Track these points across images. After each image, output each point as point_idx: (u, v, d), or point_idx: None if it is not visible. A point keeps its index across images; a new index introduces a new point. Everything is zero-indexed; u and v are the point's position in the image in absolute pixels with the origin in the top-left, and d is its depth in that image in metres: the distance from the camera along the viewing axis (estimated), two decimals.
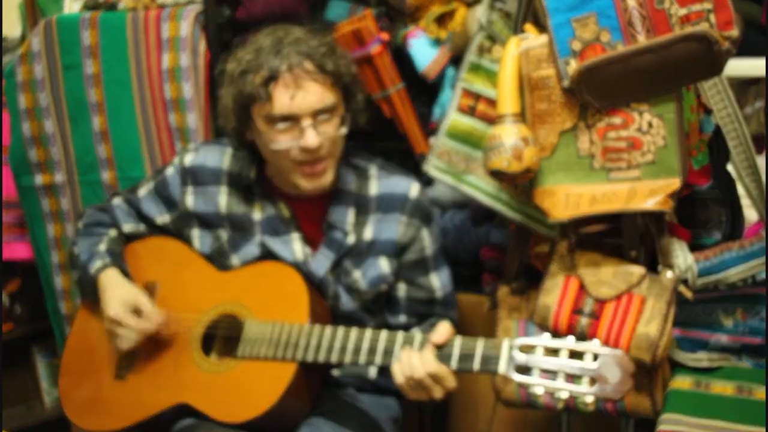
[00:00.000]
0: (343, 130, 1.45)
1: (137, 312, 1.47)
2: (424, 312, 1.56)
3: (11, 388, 2.53)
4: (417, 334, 1.40)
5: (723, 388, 1.39)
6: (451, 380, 1.30)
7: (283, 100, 1.37)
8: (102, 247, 1.57)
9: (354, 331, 1.38)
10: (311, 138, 1.39)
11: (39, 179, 2.19)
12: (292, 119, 1.39)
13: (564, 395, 1.22)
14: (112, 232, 1.62)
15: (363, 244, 1.51)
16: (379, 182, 1.53)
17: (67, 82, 2.10)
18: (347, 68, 1.45)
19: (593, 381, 1.20)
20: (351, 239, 1.51)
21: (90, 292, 1.54)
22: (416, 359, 1.29)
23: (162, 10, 1.98)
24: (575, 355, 1.23)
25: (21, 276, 2.50)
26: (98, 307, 1.56)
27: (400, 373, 1.31)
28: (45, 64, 2.10)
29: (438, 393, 1.30)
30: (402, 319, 1.56)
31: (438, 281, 1.56)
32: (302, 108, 1.38)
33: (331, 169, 1.46)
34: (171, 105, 1.98)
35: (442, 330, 1.32)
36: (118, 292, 1.49)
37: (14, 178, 2.22)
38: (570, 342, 1.23)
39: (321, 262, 1.51)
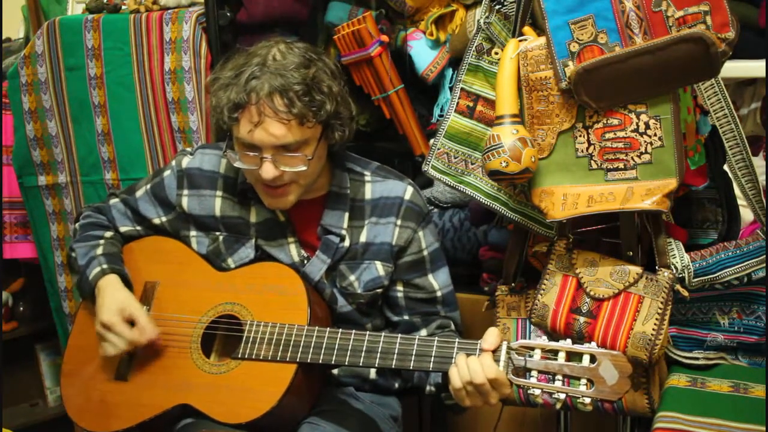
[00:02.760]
0: (305, 167, 1.40)
1: (131, 322, 1.47)
2: (427, 311, 1.57)
3: (15, 387, 2.54)
4: (423, 334, 1.40)
5: (719, 386, 1.39)
6: (508, 385, 1.27)
7: (245, 130, 1.37)
8: (99, 250, 1.57)
9: (353, 333, 1.39)
10: (266, 171, 1.38)
11: (42, 179, 2.20)
12: (255, 148, 1.39)
13: (562, 396, 1.23)
14: (109, 234, 1.62)
15: (358, 248, 1.52)
16: (373, 186, 1.54)
17: (70, 83, 2.11)
18: (327, 105, 1.39)
19: (591, 383, 1.22)
20: (346, 243, 1.52)
21: (89, 296, 1.55)
22: (476, 364, 1.27)
23: (164, 13, 1.99)
24: (573, 356, 1.24)
25: (25, 275, 2.51)
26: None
27: (458, 377, 1.28)
28: (48, 65, 2.11)
29: (494, 399, 1.28)
30: (405, 317, 1.57)
31: (437, 281, 1.57)
32: (262, 142, 1.37)
33: (294, 193, 1.45)
34: (173, 106, 2.00)
35: (490, 337, 1.29)
36: (115, 298, 1.48)
37: (18, 179, 2.23)
38: (567, 344, 1.24)
39: (316, 266, 1.52)
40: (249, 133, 1.37)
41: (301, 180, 1.44)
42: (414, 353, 1.35)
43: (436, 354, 1.33)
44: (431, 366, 1.34)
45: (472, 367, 1.26)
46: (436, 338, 1.35)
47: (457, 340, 1.33)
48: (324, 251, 1.52)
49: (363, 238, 1.52)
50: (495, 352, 1.28)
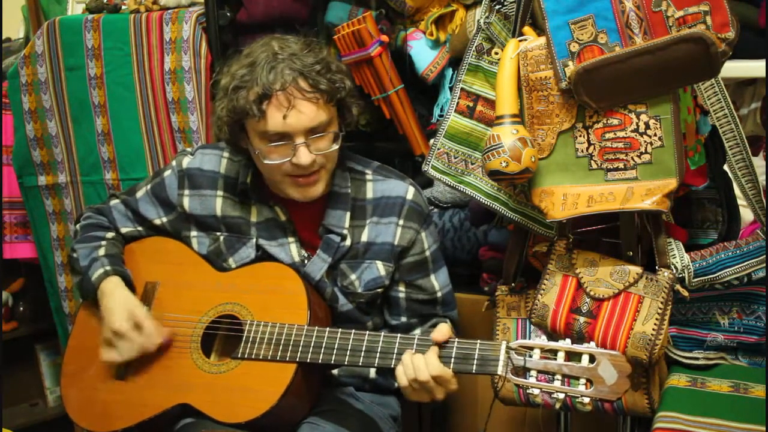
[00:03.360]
0: (336, 145, 1.44)
1: (138, 327, 1.47)
2: (426, 312, 1.57)
3: (15, 387, 2.54)
4: (417, 333, 1.40)
5: (719, 386, 1.39)
6: (454, 382, 1.31)
7: (276, 119, 1.37)
8: (101, 251, 1.57)
9: (353, 333, 1.39)
10: (304, 156, 1.39)
11: (42, 179, 2.21)
12: (286, 137, 1.39)
13: (561, 396, 1.23)
14: (110, 234, 1.63)
15: (359, 248, 1.52)
16: (375, 186, 1.54)
17: (70, 83, 2.11)
18: (342, 83, 1.42)
19: (590, 382, 1.22)
20: (347, 242, 1.52)
21: (91, 298, 1.55)
22: (420, 361, 1.30)
23: (164, 13, 1.99)
24: (572, 356, 1.24)
25: (25, 275, 2.51)
26: (99, 308, 1.57)
27: (403, 375, 1.31)
28: (48, 65, 2.11)
29: (440, 394, 1.31)
30: (403, 319, 1.57)
31: (438, 282, 1.57)
32: (295, 127, 1.38)
33: (323, 180, 1.46)
34: (173, 106, 2.00)
35: (442, 329, 1.33)
36: (121, 303, 1.49)
37: (18, 179, 2.23)
38: (567, 344, 1.24)
39: (317, 265, 1.52)
40: (283, 119, 1.37)
41: (328, 164, 1.45)
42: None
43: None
44: None
45: (416, 365, 1.30)
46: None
47: (457, 340, 1.33)
48: (325, 250, 1.52)
49: (364, 238, 1.52)
50: (442, 346, 1.31)
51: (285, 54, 1.39)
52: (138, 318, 1.47)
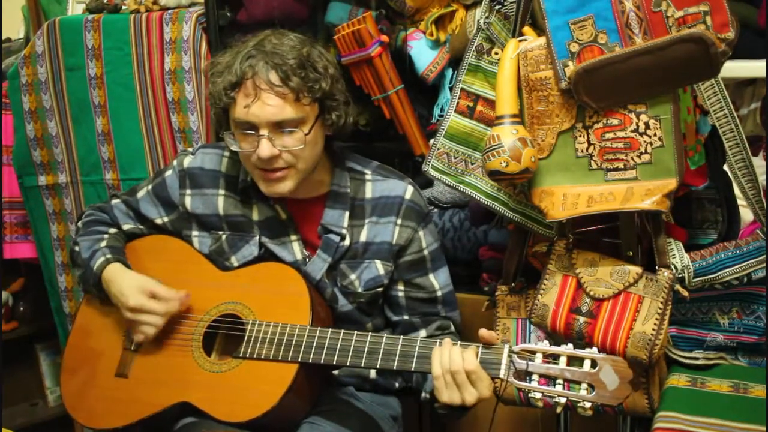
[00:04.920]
0: (308, 146, 1.41)
1: (154, 296, 1.47)
2: (427, 311, 1.57)
3: (15, 387, 2.54)
4: (421, 335, 1.38)
5: (719, 386, 1.39)
6: (488, 386, 1.28)
7: (241, 107, 1.38)
8: (103, 243, 1.58)
9: (355, 334, 1.39)
10: (263, 149, 1.38)
11: (42, 179, 2.21)
12: (252, 127, 1.39)
13: (562, 401, 1.23)
14: (113, 230, 1.63)
15: (358, 247, 1.52)
16: (374, 185, 1.54)
17: (70, 83, 2.11)
18: (316, 84, 1.40)
19: (591, 387, 1.22)
20: (346, 242, 1.52)
21: (94, 288, 1.55)
22: (457, 353, 1.28)
23: (164, 13, 1.99)
24: (574, 361, 1.24)
25: (25, 275, 2.51)
26: (100, 304, 1.57)
27: (438, 363, 1.29)
28: (48, 65, 2.11)
29: (471, 397, 1.28)
30: (405, 317, 1.57)
31: (438, 281, 1.57)
32: (258, 118, 1.38)
33: (291, 179, 1.44)
34: (173, 106, 2.00)
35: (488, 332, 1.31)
36: (129, 283, 1.49)
37: (18, 179, 2.23)
38: (569, 349, 1.24)
39: (317, 265, 1.52)
40: (245, 108, 1.37)
41: (299, 164, 1.43)
42: (416, 355, 1.35)
43: None
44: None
45: (453, 356, 1.28)
46: (438, 340, 1.35)
47: (458, 343, 1.33)
48: (325, 250, 1.52)
49: (363, 238, 1.52)
50: (487, 348, 1.29)
51: (268, 47, 1.39)
52: (151, 288, 1.47)
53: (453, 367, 1.27)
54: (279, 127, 1.39)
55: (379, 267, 1.53)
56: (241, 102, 1.38)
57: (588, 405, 1.22)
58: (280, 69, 1.37)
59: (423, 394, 1.49)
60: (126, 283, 1.49)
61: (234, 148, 1.44)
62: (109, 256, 1.54)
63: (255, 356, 1.42)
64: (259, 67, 1.37)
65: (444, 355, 1.29)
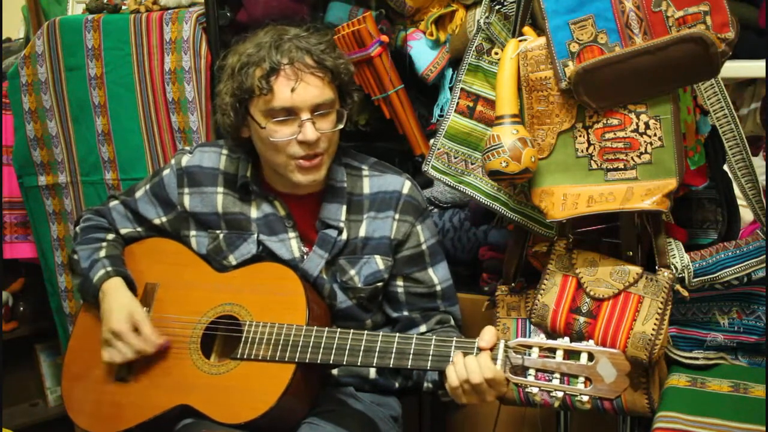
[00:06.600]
0: (341, 124, 1.47)
1: (136, 329, 1.48)
2: (426, 306, 1.57)
3: (15, 387, 2.54)
4: (418, 332, 1.38)
5: (719, 386, 1.40)
6: (505, 384, 1.27)
7: (284, 92, 1.40)
8: (102, 253, 1.57)
9: (351, 332, 1.39)
10: (310, 132, 1.40)
11: (42, 179, 2.21)
12: (292, 112, 1.41)
13: (560, 395, 1.23)
14: (111, 236, 1.63)
15: (357, 243, 1.53)
16: (371, 181, 1.54)
17: (70, 83, 2.11)
18: (345, 67, 1.47)
19: (589, 381, 1.21)
20: (344, 236, 1.52)
21: (92, 299, 1.55)
22: (473, 364, 1.26)
23: (164, 13, 1.99)
24: (571, 354, 1.24)
25: (25, 275, 2.52)
26: (99, 310, 1.57)
27: (455, 376, 1.27)
28: (48, 65, 2.11)
29: (490, 397, 1.27)
30: (405, 313, 1.57)
31: (437, 275, 1.57)
32: (303, 101, 1.40)
33: (325, 165, 1.48)
34: (173, 106, 2.00)
35: (489, 334, 1.29)
36: (122, 304, 1.49)
37: (18, 179, 2.23)
38: (565, 342, 1.24)
39: (314, 261, 1.52)
40: (291, 92, 1.39)
41: (330, 148, 1.47)
42: (412, 352, 1.35)
43: (433, 353, 1.33)
44: (429, 365, 1.34)
45: (470, 367, 1.26)
46: (434, 337, 1.35)
47: (454, 338, 1.33)
48: (321, 246, 1.52)
49: (362, 233, 1.53)
50: (492, 350, 1.28)
51: (289, 35, 1.44)
52: (137, 321, 1.47)
53: (473, 380, 1.25)
54: (317, 109, 1.42)
55: (379, 262, 1.53)
56: (282, 88, 1.40)
57: (585, 399, 1.21)
58: (314, 53, 1.41)
59: (425, 384, 1.49)
60: (117, 303, 1.50)
61: (273, 138, 1.42)
62: (109, 269, 1.54)
63: (252, 357, 1.42)
64: (294, 53, 1.40)
65: (459, 367, 1.27)
